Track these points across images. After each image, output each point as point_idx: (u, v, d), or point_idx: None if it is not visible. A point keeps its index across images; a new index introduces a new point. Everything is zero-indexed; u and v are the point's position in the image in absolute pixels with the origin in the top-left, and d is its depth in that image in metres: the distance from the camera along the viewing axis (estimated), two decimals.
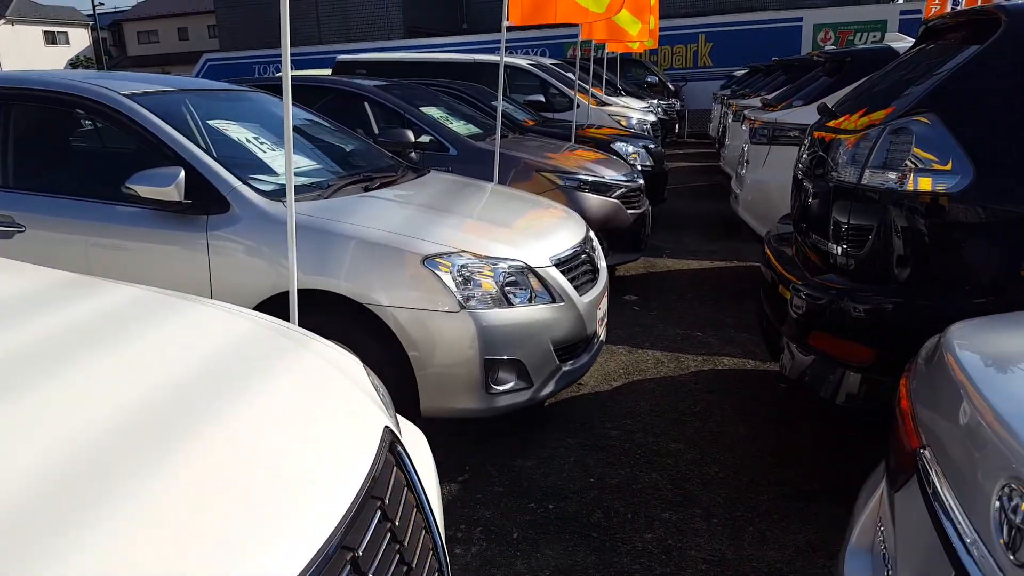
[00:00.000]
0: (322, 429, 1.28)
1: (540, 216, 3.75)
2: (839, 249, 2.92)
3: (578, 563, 2.50)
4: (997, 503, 1.00)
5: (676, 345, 4.59)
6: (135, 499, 0.93)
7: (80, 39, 52.67)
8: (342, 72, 9.70)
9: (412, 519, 1.29)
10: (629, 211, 5.52)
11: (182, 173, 2.77)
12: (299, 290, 2.69)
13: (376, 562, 1.10)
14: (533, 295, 3.01)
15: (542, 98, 9.89)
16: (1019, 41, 2.67)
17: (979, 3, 6.12)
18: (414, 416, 2.89)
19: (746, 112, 7.04)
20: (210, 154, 3.03)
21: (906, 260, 2.67)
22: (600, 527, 2.70)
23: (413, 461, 1.43)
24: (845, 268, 2.90)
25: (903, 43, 5.91)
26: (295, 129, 3.98)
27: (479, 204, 3.72)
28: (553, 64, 11.45)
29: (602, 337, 3.57)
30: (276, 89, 4.95)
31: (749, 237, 6.15)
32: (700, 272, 6.41)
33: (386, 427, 1.42)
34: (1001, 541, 0.98)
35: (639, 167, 6.84)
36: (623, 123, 9.85)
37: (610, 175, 5.60)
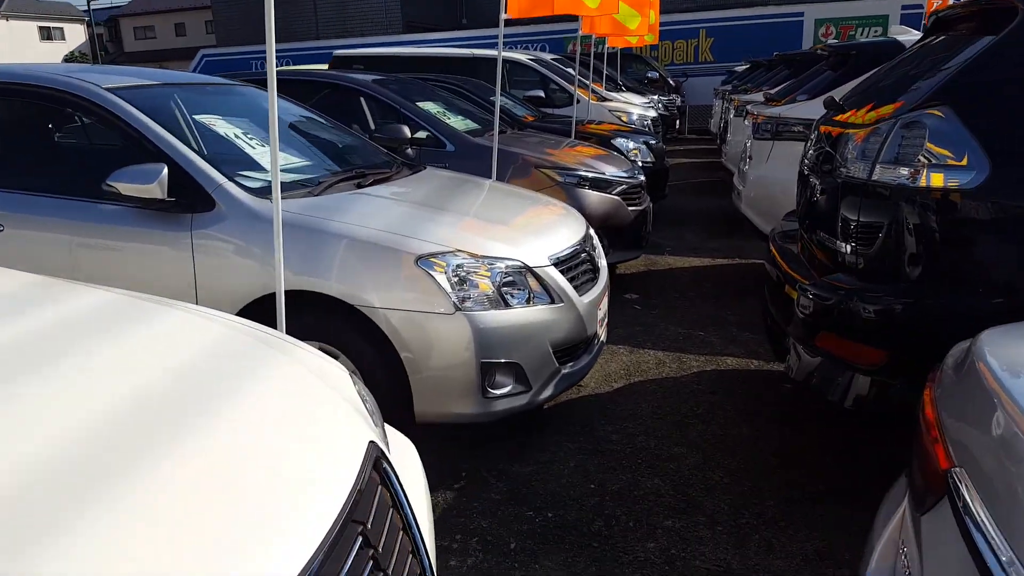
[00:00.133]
0: (298, 447, 1.18)
1: (539, 214, 3.65)
2: (847, 247, 2.82)
3: (578, 575, 2.40)
4: None
5: (678, 345, 4.50)
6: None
7: (76, 35, 52.44)
8: (339, 67, 9.59)
9: (398, 543, 1.19)
10: (630, 208, 5.42)
11: (165, 170, 2.67)
12: (288, 291, 2.59)
13: None
14: (531, 296, 2.91)
15: (542, 93, 9.80)
16: None
17: None
18: (408, 422, 2.80)
19: (749, 107, 6.94)
20: (195, 150, 2.93)
21: (918, 259, 2.57)
22: (601, 536, 2.60)
23: (400, 478, 1.33)
24: (854, 267, 2.80)
25: (908, 36, 5.80)
26: (285, 124, 3.88)
27: (476, 201, 3.62)
28: (553, 59, 11.35)
29: (603, 338, 3.48)
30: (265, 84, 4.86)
31: (751, 234, 6.05)
32: (702, 269, 6.32)
33: (371, 443, 1.32)
34: None
35: (640, 163, 6.74)
36: (623, 119, 9.76)
37: (611, 171, 5.50)
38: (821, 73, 6.19)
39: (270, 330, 1.65)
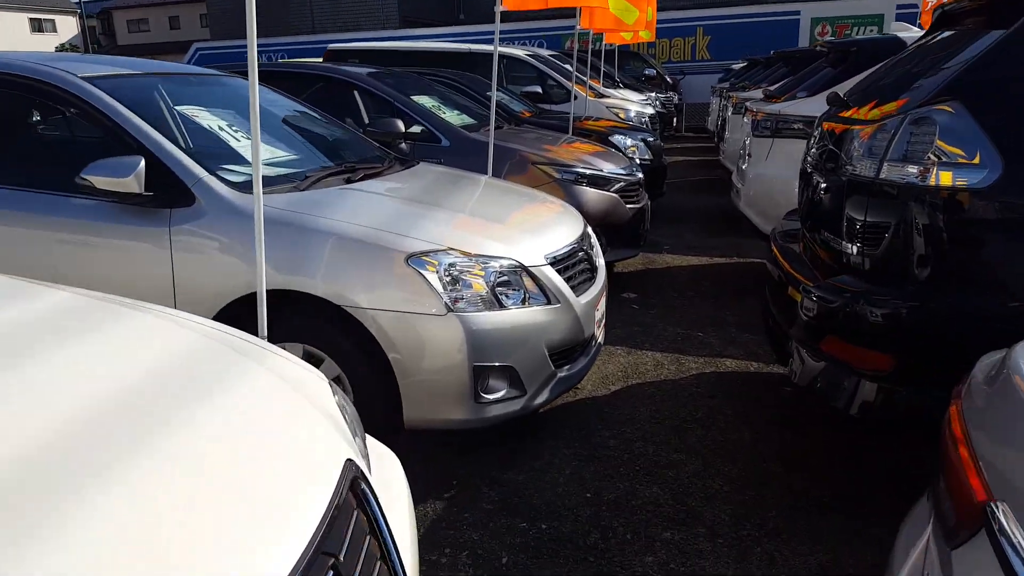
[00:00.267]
0: (266, 468, 1.08)
1: (535, 211, 3.54)
2: (853, 248, 2.72)
3: None
4: None
5: (676, 346, 4.40)
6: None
7: (68, 27, 52.00)
8: (333, 61, 9.46)
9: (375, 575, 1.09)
10: (628, 206, 5.32)
11: (142, 163, 2.54)
12: (271, 291, 2.48)
13: None
14: (527, 296, 2.80)
15: (539, 89, 9.72)
16: None
17: None
18: (397, 428, 2.69)
19: (748, 104, 6.83)
20: (176, 142, 2.80)
21: (928, 261, 2.47)
22: (597, 549, 2.50)
23: (380, 499, 1.23)
24: (859, 268, 2.70)
25: (909, 33, 5.71)
26: (274, 117, 3.77)
27: (470, 198, 3.51)
28: (550, 55, 11.25)
29: (600, 339, 3.37)
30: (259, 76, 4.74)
31: (750, 232, 5.96)
32: (700, 268, 6.23)
33: (348, 461, 1.21)
34: None
35: (638, 160, 6.65)
36: (621, 116, 9.67)
37: (608, 168, 5.40)
38: (821, 70, 6.09)
39: (245, 335, 1.54)
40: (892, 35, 5.59)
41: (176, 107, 3.16)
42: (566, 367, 2.99)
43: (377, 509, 1.18)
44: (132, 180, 2.50)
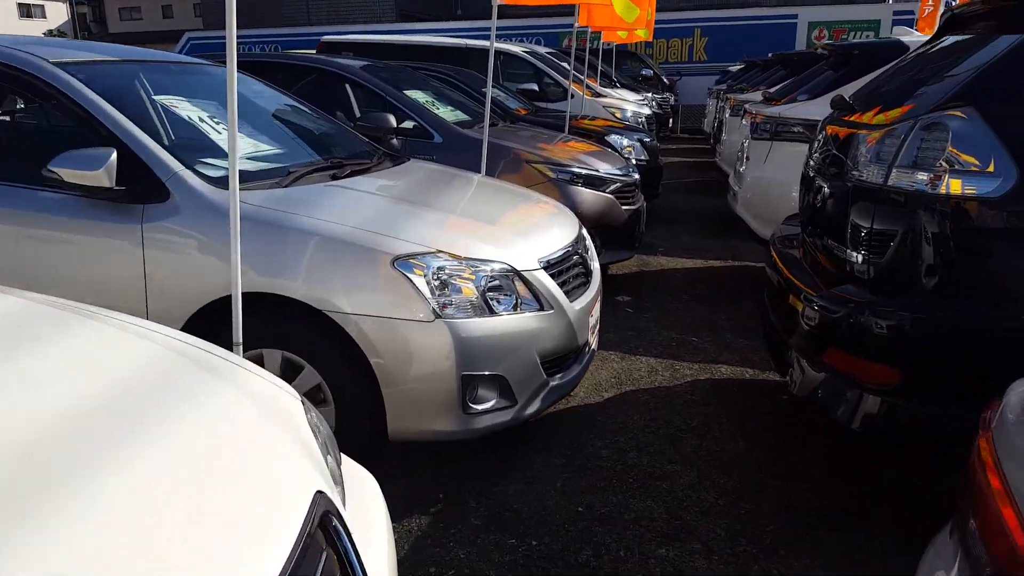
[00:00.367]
0: (226, 502, 0.96)
1: (529, 212, 3.43)
2: (858, 256, 2.61)
3: None
4: None
5: (671, 351, 4.30)
6: None
7: (58, 13, 51.33)
8: (327, 53, 9.31)
9: None
10: (624, 207, 5.21)
11: (114, 155, 2.41)
12: (248, 294, 2.36)
13: None
14: (519, 302, 2.69)
15: (535, 87, 9.61)
16: None
17: None
18: (381, 439, 2.57)
19: (747, 106, 6.74)
20: (152, 134, 2.66)
21: (937, 271, 2.37)
22: (589, 567, 2.39)
23: (353, 535, 1.11)
24: (864, 278, 2.60)
25: (911, 37, 5.62)
26: (259, 110, 3.64)
27: (462, 198, 3.40)
28: (548, 53, 11.14)
29: (594, 346, 3.26)
30: (247, 66, 4.61)
31: (745, 235, 5.88)
32: (695, 271, 6.14)
33: (318, 494, 1.10)
34: None
35: (634, 161, 6.54)
36: (617, 115, 9.56)
37: (604, 169, 5.29)
38: (821, 73, 6.00)
39: (211, 348, 1.42)
40: (894, 39, 5.50)
41: (155, 97, 3.02)
42: (558, 375, 2.88)
43: (349, 546, 1.07)
44: (102, 173, 2.37)
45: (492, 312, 2.59)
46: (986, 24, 2.90)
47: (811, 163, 3.35)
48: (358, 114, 5.26)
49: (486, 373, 2.56)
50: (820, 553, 2.49)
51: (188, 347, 1.40)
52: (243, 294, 2.35)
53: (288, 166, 3.00)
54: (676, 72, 19.38)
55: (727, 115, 9.15)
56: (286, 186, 2.80)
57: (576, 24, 7.91)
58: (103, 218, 2.58)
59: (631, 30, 9.28)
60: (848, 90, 4.03)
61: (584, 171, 5.13)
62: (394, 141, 4.63)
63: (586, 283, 3.18)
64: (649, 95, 13.25)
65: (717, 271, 6.19)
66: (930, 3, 10.56)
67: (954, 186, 2.30)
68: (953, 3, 8.86)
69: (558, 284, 2.87)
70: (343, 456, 1.54)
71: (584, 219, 3.97)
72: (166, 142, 2.75)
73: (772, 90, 6.85)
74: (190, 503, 0.93)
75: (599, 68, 11.65)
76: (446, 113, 5.61)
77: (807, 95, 5.64)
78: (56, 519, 0.80)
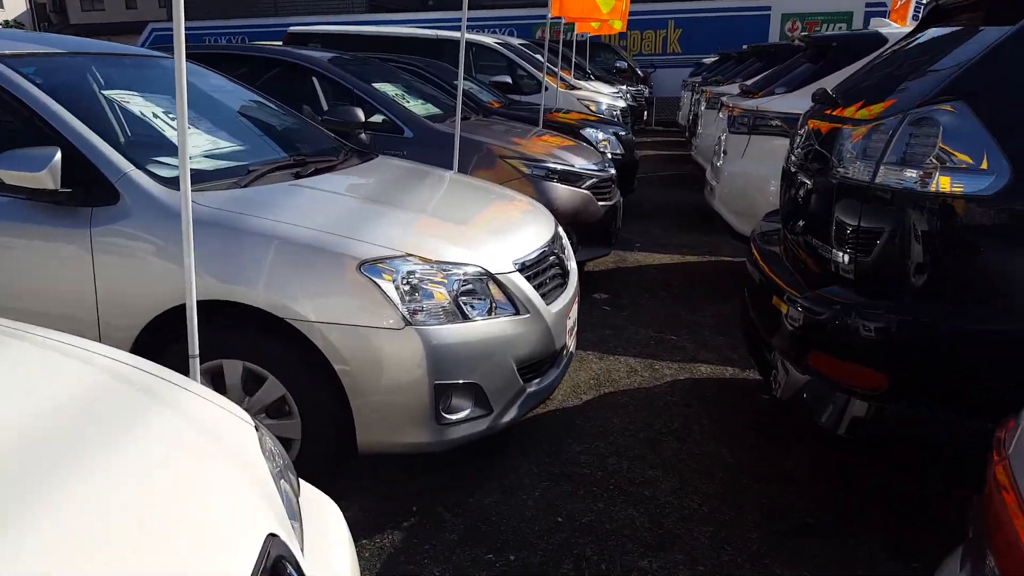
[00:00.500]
0: (167, 550, 0.84)
1: (503, 211, 3.31)
2: (843, 256, 2.53)
3: None
4: None
5: (649, 350, 4.22)
6: None
7: (16, 3, 49.74)
8: (293, 45, 9.09)
9: None
10: (600, 203, 5.11)
11: (58, 155, 2.24)
12: (206, 302, 2.22)
13: None
14: (493, 306, 2.57)
15: (509, 79, 9.46)
16: None
17: None
18: (350, 453, 2.44)
19: (724, 99, 6.66)
20: (100, 132, 2.50)
21: (927, 273, 2.29)
22: None
23: None
24: (850, 278, 2.51)
25: (890, 29, 5.56)
26: (218, 104, 3.48)
27: (433, 196, 3.26)
28: (521, 44, 11.00)
29: (572, 349, 3.16)
30: (206, 59, 4.43)
31: (722, 230, 5.82)
32: (672, 267, 6.07)
33: (269, 537, 0.97)
34: None
35: (610, 155, 6.44)
36: (592, 108, 9.46)
37: (580, 164, 5.18)
38: (799, 65, 5.92)
39: (159, 370, 1.29)
40: (873, 31, 5.43)
41: (106, 92, 2.85)
42: (536, 381, 2.77)
43: None
44: (46, 175, 2.20)
45: (465, 318, 2.46)
46: (971, 15, 2.83)
47: (792, 158, 3.26)
48: (325, 108, 5.09)
49: (460, 381, 2.43)
50: (806, 562, 2.42)
51: (130, 370, 1.26)
52: (200, 302, 2.21)
53: (248, 164, 2.84)
54: (650, 64, 19.33)
55: (703, 108, 9.08)
56: (245, 186, 2.64)
57: (549, 15, 7.77)
58: (49, 222, 2.41)
59: (604, 21, 9.16)
60: (828, 83, 3.95)
61: (560, 166, 5.01)
62: (363, 136, 4.47)
63: (563, 284, 3.07)
64: (623, 87, 13.16)
65: (694, 267, 6.12)
66: None
67: (945, 184, 2.22)
68: None
69: (534, 286, 2.76)
70: (302, 483, 1.41)
71: (560, 216, 3.86)
72: (116, 140, 2.58)
73: (749, 83, 6.76)
74: (128, 550, 0.81)
75: (573, 60, 11.54)
76: (417, 107, 5.47)
77: (785, 88, 5.56)
78: None
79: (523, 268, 2.76)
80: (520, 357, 2.62)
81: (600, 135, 7.01)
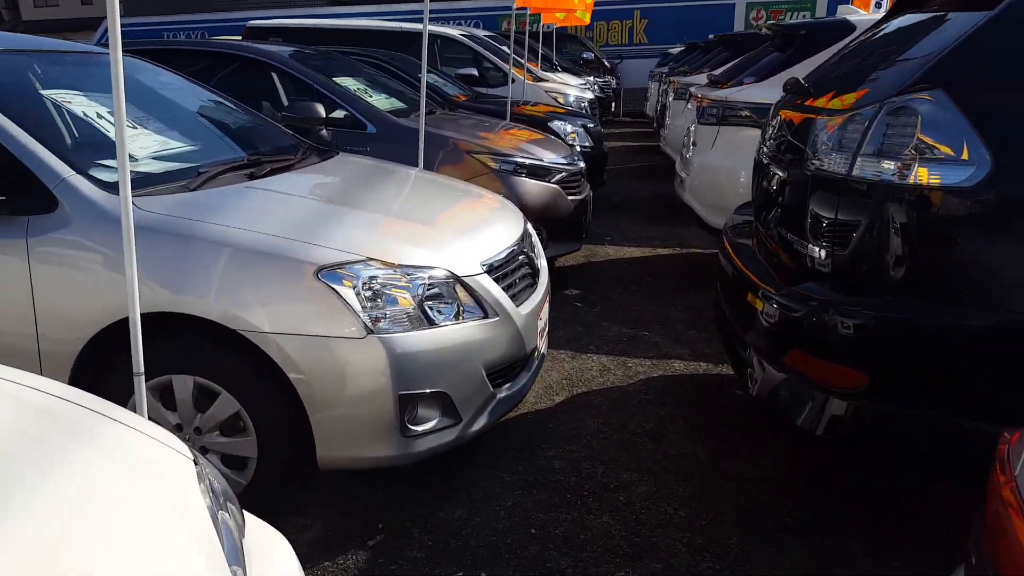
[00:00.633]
0: None
1: (470, 210, 3.19)
2: (820, 252, 2.45)
3: None
4: None
5: (622, 347, 4.13)
6: None
7: None
8: (253, 39, 8.86)
9: None
10: (570, 197, 5.01)
11: None
12: (154, 314, 2.07)
13: None
14: (461, 310, 2.45)
15: (475, 72, 9.32)
16: None
17: None
18: (310, 469, 2.31)
19: (692, 90, 6.59)
20: (38, 135, 2.32)
21: (907, 267, 2.21)
22: None
23: None
24: (827, 274, 2.44)
25: (858, 16, 5.52)
26: (167, 103, 3.31)
27: (395, 196, 3.13)
28: (487, 36, 10.85)
29: (543, 350, 3.06)
30: (161, 55, 4.24)
31: (692, 222, 5.76)
32: (643, 260, 6.01)
33: None
34: None
35: (578, 148, 6.35)
36: (560, 100, 9.35)
37: (549, 157, 5.07)
38: (768, 54, 5.86)
39: (88, 399, 1.16)
40: (841, 18, 5.39)
41: (45, 92, 2.67)
42: (506, 386, 2.66)
43: None
44: None
45: (431, 323, 2.34)
46: (946, 1, 2.76)
47: (764, 150, 3.18)
48: (286, 104, 4.92)
49: (427, 391, 2.32)
50: (786, 565, 2.36)
51: (53, 403, 1.13)
52: (147, 315, 2.07)
53: (199, 166, 2.68)
54: (617, 55, 19.29)
55: (671, 99, 9.01)
56: (194, 189, 2.49)
57: (515, 5, 7.65)
58: None
59: (570, 11, 9.07)
60: (798, 72, 3.89)
61: (528, 161, 4.90)
62: (324, 132, 4.32)
63: (533, 284, 2.97)
64: (591, 79, 13.08)
65: (665, 260, 6.06)
66: None
67: (924, 175, 2.14)
68: None
69: (503, 288, 2.65)
70: (249, 517, 1.29)
71: (529, 212, 3.76)
72: (55, 144, 2.41)
73: (717, 72, 6.70)
74: None
75: (540, 52, 11.42)
76: (380, 101, 5.32)
77: (754, 77, 5.49)
78: None
79: (491, 269, 2.64)
80: (490, 362, 2.51)
81: (569, 128, 6.91)
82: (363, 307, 2.22)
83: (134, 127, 2.75)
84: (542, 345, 3.01)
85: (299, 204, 2.67)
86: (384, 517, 2.56)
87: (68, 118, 2.67)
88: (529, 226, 3.28)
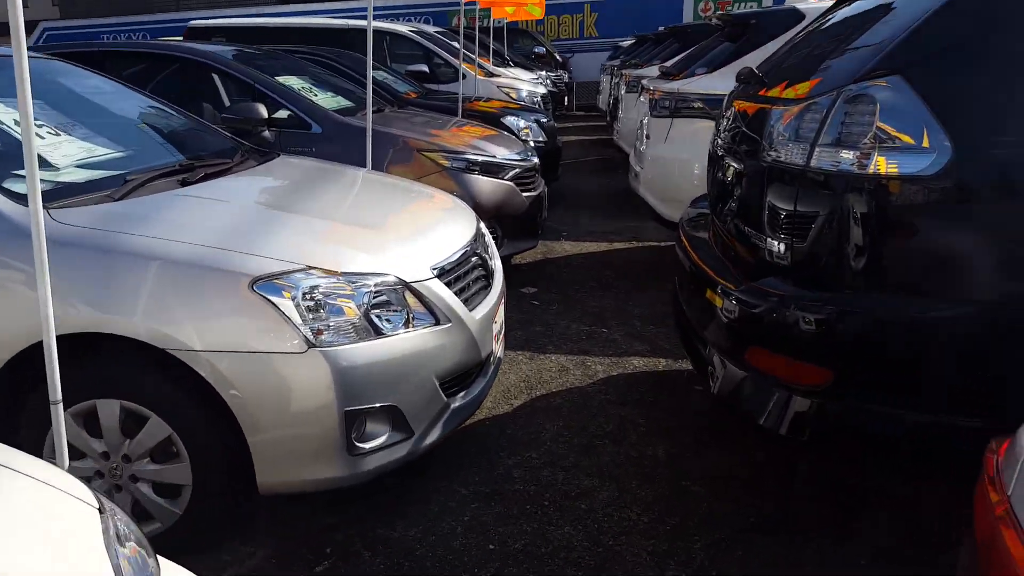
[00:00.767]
0: None
1: (420, 211, 3.06)
2: (779, 245, 2.39)
3: None
4: None
5: (581, 346, 4.06)
6: None
7: None
8: (194, 40, 8.58)
9: None
10: (524, 194, 4.91)
11: None
12: (75, 335, 1.91)
13: None
14: (410, 318, 2.32)
15: (426, 68, 9.18)
16: None
17: None
18: (249, 495, 2.16)
19: (644, 82, 6.54)
20: None
21: (868, 260, 2.16)
22: None
23: None
24: (786, 268, 2.37)
25: (807, 5, 5.51)
26: (93, 106, 3.12)
27: (340, 199, 2.99)
28: (437, 32, 10.70)
29: (499, 354, 2.95)
30: (96, 57, 4.04)
31: (647, 215, 5.72)
32: (600, 255, 5.95)
33: None
34: None
35: (532, 143, 6.25)
36: (513, 95, 9.26)
37: (502, 154, 4.96)
38: (718, 45, 5.83)
39: None
40: (791, 7, 5.37)
41: None
42: (461, 395, 2.54)
43: None
44: None
45: (379, 333, 2.21)
46: None
47: (719, 141, 3.12)
48: (228, 105, 4.73)
49: (375, 405, 2.18)
50: (754, 562, 2.32)
51: None
52: (68, 335, 1.91)
53: (126, 174, 2.50)
54: (568, 49, 19.27)
55: (623, 92, 8.96)
56: (120, 198, 2.31)
57: (463, 0, 7.52)
58: None
59: (520, 6, 8.96)
60: (749, 61, 3.84)
61: (480, 158, 4.79)
62: (266, 134, 4.16)
63: (487, 286, 2.85)
64: (543, 73, 13.01)
65: (622, 253, 6.02)
66: None
67: (883, 164, 2.08)
68: None
69: (455, 292, 2.53)
70: (164, 562, 1.16)
71: (483, 210, 3.64)
72: None
73: (668, 64, 6.65)
74: None
75: (491, 47, 11.30)
76: (326, 100, 5.15)
77: (705, 68, 5.45)
78: None
79: (443, 273, 2.52)
80: (442, 371, 2.39)
81: (522, 123, 6.82)
82: (303, 319, 2.08)
83: (57, 134, 2.57)
84: (498, 348, 2.90)
85: (234, 211, 2.52)
86: (332, 540, 2.42)
87: None
88: (482, 225, 3.16)
